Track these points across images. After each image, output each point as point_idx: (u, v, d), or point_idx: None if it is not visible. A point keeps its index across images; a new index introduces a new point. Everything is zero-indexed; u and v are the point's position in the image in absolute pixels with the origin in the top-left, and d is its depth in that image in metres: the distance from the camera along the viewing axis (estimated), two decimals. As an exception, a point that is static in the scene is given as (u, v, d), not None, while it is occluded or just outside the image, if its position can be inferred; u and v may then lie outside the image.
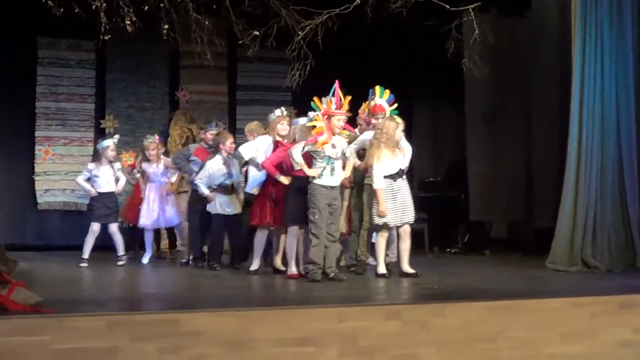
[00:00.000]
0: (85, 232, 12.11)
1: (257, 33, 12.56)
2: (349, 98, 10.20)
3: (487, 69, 13.20)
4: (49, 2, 11.55)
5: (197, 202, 11.59)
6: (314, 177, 9.69)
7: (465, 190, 14.42)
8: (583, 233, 11.03)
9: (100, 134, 15.18)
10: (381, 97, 11.14)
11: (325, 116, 9.97)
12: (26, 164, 14.55)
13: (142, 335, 6.52)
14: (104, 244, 12.36)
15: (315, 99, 10.14)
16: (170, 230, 13.26)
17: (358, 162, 10.61)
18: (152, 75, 15.64)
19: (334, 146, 9.86)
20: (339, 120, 10.03)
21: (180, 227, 12.70)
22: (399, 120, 10.54)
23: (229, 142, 11.48)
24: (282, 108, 11.28)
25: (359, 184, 10.72)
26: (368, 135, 10.61)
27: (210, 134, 12.20)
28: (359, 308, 7.49)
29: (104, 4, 11.64)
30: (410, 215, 10.21)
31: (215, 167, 11.31)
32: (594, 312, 7.91)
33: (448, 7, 11.92)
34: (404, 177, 10.29)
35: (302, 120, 10.68)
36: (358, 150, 10.67)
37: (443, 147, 15.69)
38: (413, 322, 7.32)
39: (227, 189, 11.28)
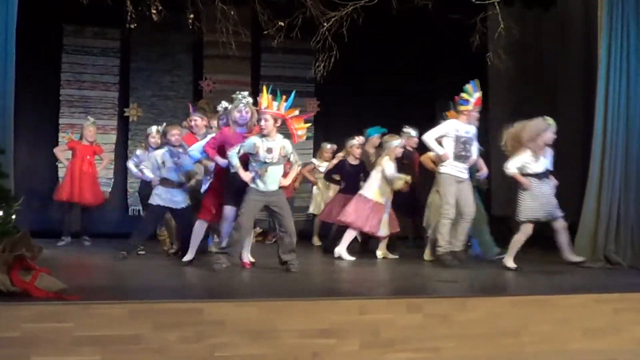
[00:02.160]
0: (108, 218, 12.18)
1: (282, 24, 12.57)
2: (276, 97, 9.92)
3: (512, 63, 13.16)
4: (76, -11, 11.61)
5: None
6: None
7: (489, 184, 14.37)
8: (606, 229, 11.00)
9: (124, 122, 15.23)
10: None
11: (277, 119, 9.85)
12: (50, 151, 14.56)
13: (165, 324, 6.57)
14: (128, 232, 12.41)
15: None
16: None
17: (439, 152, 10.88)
18: (176, 65, 15.66)
19: (269, 150, 9.66)
20: (266, 119, 9.77)
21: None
22: (550, 121, 10.63)
23: (173, 133, 10.99)
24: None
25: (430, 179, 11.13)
26: (452, 124, 10.92)
27: (193, 121, 11.49)
28: (381, 300, 7.51)
29: (131, -8, 11.69)
30: (557, 211, 10.49)
31: (160, 159, 11.00)
32: (617, 309, 7.89)
33: (473, 0, 11.89)
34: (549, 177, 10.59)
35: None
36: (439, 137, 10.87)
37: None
38: (435, 315, 7.32)
39: (170, 182, 10.90)
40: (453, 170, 10.84)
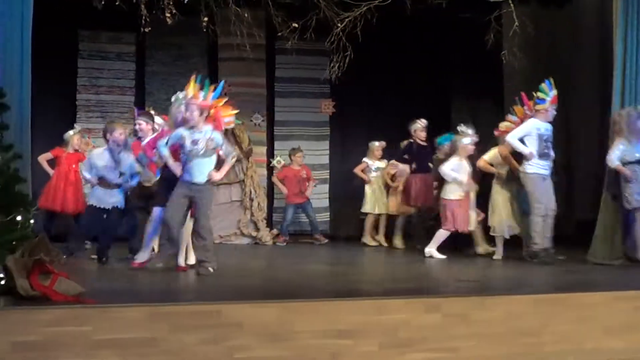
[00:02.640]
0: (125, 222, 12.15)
1: (296, 25, 12.61)
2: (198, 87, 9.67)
3: (526, 61, 13.14)
4: (90, -5, 11.66)
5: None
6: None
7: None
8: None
9: (140, 126, 15.26)
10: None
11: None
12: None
13: (183, 326, 6.57)
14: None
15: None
16: None
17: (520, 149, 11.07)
18: (191, 68, 15.57)
19: (195, 142, 9.43)
20: (191, 110, 9.48)
21: None
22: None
23: (117, 132, 10.68)
24: (182, 93, 10.00)
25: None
26: (533, 123, 11.06)
27: (138, 125, 11.01)
28: (399, 300, 7.47)
29: (145, -4, 11.73)
30: None
31: (98, 159, 10.79)
32: (637, 307, 7.83)
33: (487, -2, 11.92)
34: None
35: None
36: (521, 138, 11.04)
37: (482, 139, 15.56)
38: (453, 315, 7.30)
39: (108, 183, 10.68)
40: (539, 168, 11.01)
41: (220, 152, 9.67)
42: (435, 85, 15.91)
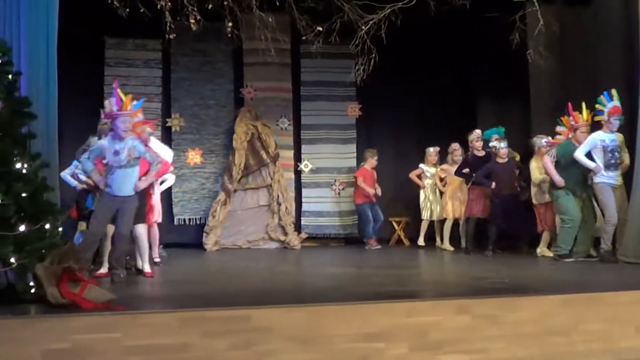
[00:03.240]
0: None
1: (321, 29, 12.60)
2: (129, 97, 9.61)
3: (552, 60, 13.08)
4: (115, 3, 11.68)
5: None
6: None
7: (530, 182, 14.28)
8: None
9: (166, 132, 15.29)
10: (619, 101, 11.40)
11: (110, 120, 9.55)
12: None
13: (213, 332, 6.58)
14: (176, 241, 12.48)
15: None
16: None
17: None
18: (216, 73, 15.69)
19: (116, 153, 9.35)
20: (124, 122, 9.41)
21: None
22: None
23: None
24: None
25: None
26: (597, 136, 11.36)
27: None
28: (428, 302, 7.46)
29: (169, 3, 11.76)
30: None
31: None
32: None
33: (512, -3, 11.89)
34: None
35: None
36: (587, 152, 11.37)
37: (508, 138, 15.52)
38: (483, 316, 7.28)
39: None
40: (607, 179, 11.25)
41: (147, 158, 9.68)
42: (460, 86, 15.86)
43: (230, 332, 6.61)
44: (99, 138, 10.22)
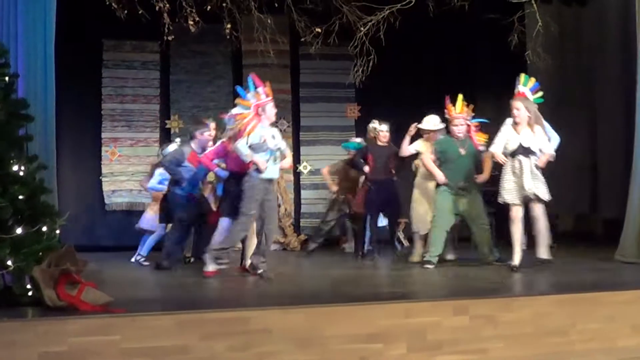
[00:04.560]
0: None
1: (319, 30, 12.61)
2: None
3: (551, 61, 13.09)
4: (113, 5, 11.68)
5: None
6: (256, 170, 9.63)
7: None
8: (652, 225, 10.87)
9: (166, 134, 15.30)
10: (525, 85, 10.97)
11: (259, 108, 9.87)
12: (93, 165, 14.72)
13: (212, 334, 6.58)
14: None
15: (239, 100, 10.16)
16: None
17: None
18: (215, 75, 15.69)
19: (274, 137, 9.80)
20: (273, 107, 10.01)
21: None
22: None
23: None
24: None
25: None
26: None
27: (207, 136, 11.36)
28: (426, 303, 7.47)
29: (167, 5, 11.76)
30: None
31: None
32: (667, 305, 7.80)
33: (510, -2, 11.90)
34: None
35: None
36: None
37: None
38: (481, 316, 7.28)
39: None
40: None
41: (281, 147, 9.99)
42: (459, 87, 15.78)
43: (229, 334, 6.61)
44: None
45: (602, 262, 10.80)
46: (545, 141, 10.07)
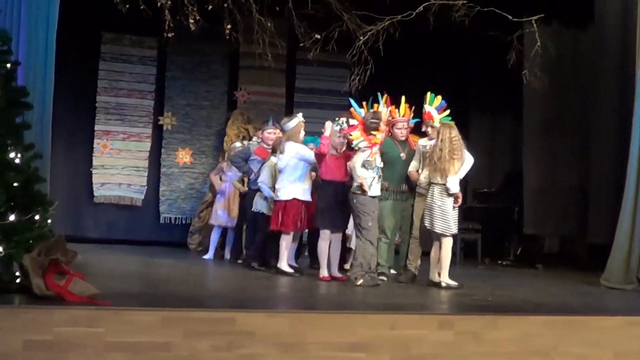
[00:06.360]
0: (140, 225, 12.29)
1: (319, 36, 12.62)
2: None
3: (547, 81, 13.13)
4: (115, -2, 11.71)
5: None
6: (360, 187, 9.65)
7: (520, 202, 14.31)
8: (640, 251, 10.89)
9: (158, 130, 15.30)
10: (430, 104, 11.01)
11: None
12: (84, 157, 14.72)
13: (196, 332, 6.57)
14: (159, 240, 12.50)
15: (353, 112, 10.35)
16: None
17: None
18: (211, 75, 15.72)
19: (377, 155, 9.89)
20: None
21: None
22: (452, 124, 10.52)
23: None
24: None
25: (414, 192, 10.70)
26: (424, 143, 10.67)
27: (267, 133, 12.06)
28: (411, 316, 7.47)
29: (169, 2, 11.75)
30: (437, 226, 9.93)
31: (273, 168, 11.14)
32: (650, 333, 7.81)
33: (510, 17, 11.93)
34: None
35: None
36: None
37: (499, 157, 15.61)
38: (466, 332, 7.29)
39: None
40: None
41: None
42: (455, 102, 15.85)
43: (213, 334, 6.60)
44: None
45: (587, 286, 10.84)
46: None
